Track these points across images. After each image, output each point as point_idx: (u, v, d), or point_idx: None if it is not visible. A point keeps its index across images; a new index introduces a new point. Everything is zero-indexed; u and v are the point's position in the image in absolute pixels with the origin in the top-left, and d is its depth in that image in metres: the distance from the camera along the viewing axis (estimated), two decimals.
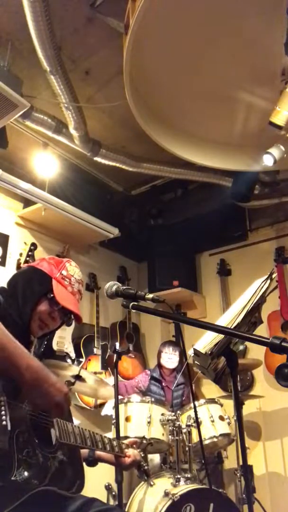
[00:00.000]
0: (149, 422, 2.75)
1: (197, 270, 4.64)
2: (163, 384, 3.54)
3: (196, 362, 1.62)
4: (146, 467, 1.82)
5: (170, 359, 3.53)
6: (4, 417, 1.14)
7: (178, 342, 3.71)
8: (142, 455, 1.81)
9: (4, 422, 1.14)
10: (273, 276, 1.73)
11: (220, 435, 2.86)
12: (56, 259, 1.66)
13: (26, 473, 1.19)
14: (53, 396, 1.21)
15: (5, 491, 1.15)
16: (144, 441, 2.67)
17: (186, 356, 3.44)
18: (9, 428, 1.14)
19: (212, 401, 3.05)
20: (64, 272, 1.60)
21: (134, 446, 1.80)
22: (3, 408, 1.16)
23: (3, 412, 1.15)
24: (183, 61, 2.49)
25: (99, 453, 1.68)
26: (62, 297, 1.53)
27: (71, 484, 1.37)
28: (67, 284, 1.58)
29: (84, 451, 1.65)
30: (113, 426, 2.80)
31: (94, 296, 4.03)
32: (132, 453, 1.72)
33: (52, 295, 1.52)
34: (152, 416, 2.79)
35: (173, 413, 2.88)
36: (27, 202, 3.64)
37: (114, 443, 1.65)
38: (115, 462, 1.73)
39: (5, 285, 1.59)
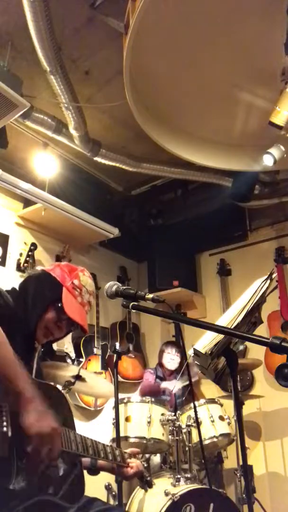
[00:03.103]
0: (149, 422, 2.75)
1: (197, 270, 4.64)
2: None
3: (196, 362, 1.62)
4: (148, 478, 1.80)
5: (173, 359, 3.55)
6: (5, 423, 1.13)
7: (180, 344, 3.71)
8: (145, 465, 1.78)
9: (4, 429, 1.12)
10: (273, 276, 1.72)
11: (220, 435, 2.87)
12: (70, 267, 1.63)
13: (24, 482, 1.16)
14: (44, 427, 1.16)
15: (2, 499, 1.13)
16: (145, 442, 2.67)
17: (186, 356, 3.44)
18: (9, 435, 1.13)
19: (212, 401, 3.05)
20: (76, 282, 1.58)
21: (137, 456, 1.78)
22: (4, 414, 1.14)
23: (4, 419, 1.13)
24: (183, 61, 2.49)
25: (101, 462, 1.66)
26: (70, 308, 1.51)
27: (70, 493, 1.35)
28: (77, 294, 1.56)
29: (86, 459, 1.62)
30: (113, 426, 2.80)
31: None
32: (135, 464, 1.69)
33: (60, 304, 1.51)
34: (152, 416, 2.79)
35: (173, 413, 2.88)
36: (27, 202, 3.64)
37: (117, 452, 1.62)
38: (117, 471, 1.70)
39: (16, 287, 1.58)
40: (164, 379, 3.57)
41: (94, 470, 1.68)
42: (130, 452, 1.74)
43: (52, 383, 1.49)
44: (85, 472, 1.56)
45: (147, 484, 1.81)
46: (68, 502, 1.33)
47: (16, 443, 1.17)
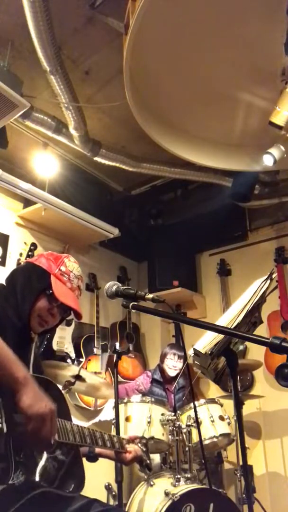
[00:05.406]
0: (149, 422, 2.75)
1: (197, 270, 4.64)
2: (165, 386, 3.52)
3: (196, 362, 1.62)
4: (148, 461, 1.81)
5: (174, 366, 3.45)
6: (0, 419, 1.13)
7: (182, 346, 3.64)
8: (144, 449, 1.80)
9: (0, 425, 1.13)
10: (273, 276, 1.73)
11: (220, 435, 2.86)
12: (54, 255, 1.65)
13: (23, 476, 1.17)
14: (43, 407, 1.16)
15: (3, 495, 1.14)
16: (144, 440, 2.67)
17: (186, 356, 3.43)
18: (5, 430, 1.14)
19: (212, 401, 3.04)
20: (62, 268, 1.59)
21: (135, 441, 1.79)
22: None
23: None
24: (183, 61, 2.49)
25: (99, 448, 1.67)
26: (61, 293, 1.52)
27: (70, 484, 1.36)
28: (66, 280, 1.57)
29: (84, 447, 1.64)
30: (113, 426, 2.80)
31: (94, 296, 4.03)
32: (133, 449, 1.72)
33: (50, 292, 1.51)
34: (152, 416, 2.79)
35: (173, 413, 2.88)
36: (27, 202, 3.64)
37: (115, 439, 1.64)
38: (116, 457, 1.72)
39: (3, 282, 1.59)
40: (163, 384, 3.52)
41: (92, 457, 1.69)
42: (128, 438, 1.76)
43: (48, 377, 1.50)
44: (84, 460, 1.57)
45: (147, 468, 1.82)
46: (69, 492, 1.34)
47: (12, 438, 1.18)
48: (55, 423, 1.20)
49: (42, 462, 1.28)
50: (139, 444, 1.78)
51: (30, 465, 1.23)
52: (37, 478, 1.23)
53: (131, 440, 1.76)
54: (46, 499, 1.26)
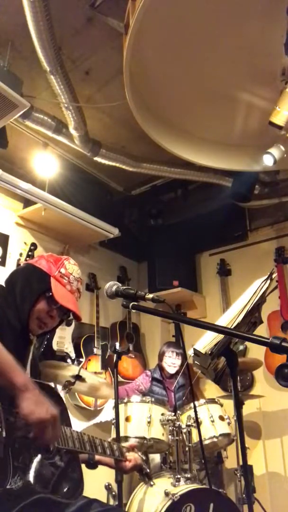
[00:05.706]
0: (149, 422, 2.75)
1: (197, 270, 4.64)
2: (165, 385, 3.53)
3: (196, 362, 1.62)
4: (147, 470, 1.81)
5: (173, 363, 3.49)
6: None
7: (181, 346, 3.65)
8: (144, 458, 1.79)
9: None
10: (273, 276, 1.73)
11: (220, 435, 2.86)
12: (54, 257, 1.65)
13: (21, 481, 1.17)
14: (44, 413, 1.16)
15: (1, 499, 1.14)
16: (145, 442, 2.67)
17: (186, 356, 3.43)
18: (4, 435, 1.13)
19: (212, 401, 3.04)
20: (62, 270, 1.59)
21: (135, 449, 1.78)
22: None
23: None
24: (183, 61, 2.49)
25: (99, 456, 1.66)
26: (61, 296, 1.52)
27: (68, 490, 1.35)
28: (66, 282, 1.57)
29: (84, 454, 1.63)
30: (113, 426, 2.80)
31: (94, 296, 4.03)
32: (133, 457, 1.70)
33: (50, 294, 1.51)
34: (152, 416, 2.78)
35: (173, 413, 2.88)
36: (27, 202, 3.64)
37: (115, 446, 1.63)
38: (115, 466, 1.71)
39: (3, 283, 1.58)
40: (163, 382, 3.54)
41: (92, 464, 1.69)
42: (128, 446, 1.75)
43: (47, 382, 1.50)
44: (83, 467, 1.56)
45: (146, 477, 1.82)
46: (67, 498, 1.33)
47: (11, 443, 1.17)
48: (58, 428, 1.20)
49: (40, 468, 1.27)
50: (139, 453, 1.77)
51: (29, 470, 1.22)
52: (35, 484, 1.22)
53: (131, 449, 1.75)
54: (44, 505, 1.25)
